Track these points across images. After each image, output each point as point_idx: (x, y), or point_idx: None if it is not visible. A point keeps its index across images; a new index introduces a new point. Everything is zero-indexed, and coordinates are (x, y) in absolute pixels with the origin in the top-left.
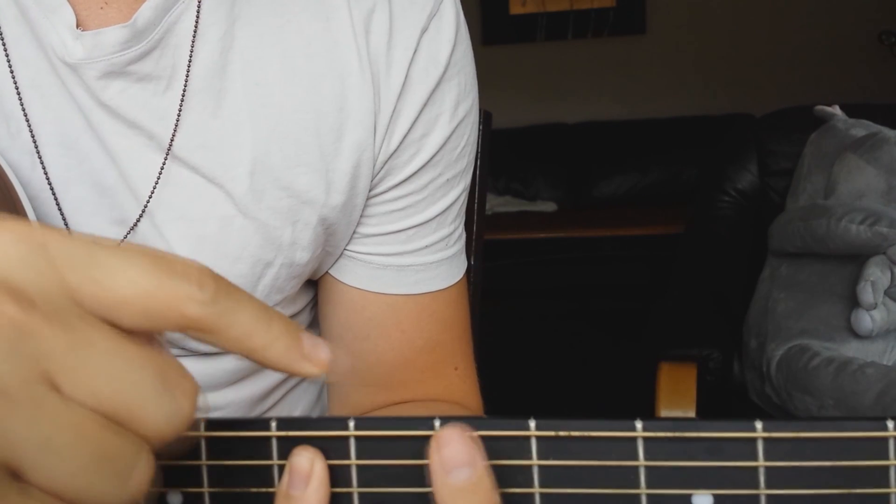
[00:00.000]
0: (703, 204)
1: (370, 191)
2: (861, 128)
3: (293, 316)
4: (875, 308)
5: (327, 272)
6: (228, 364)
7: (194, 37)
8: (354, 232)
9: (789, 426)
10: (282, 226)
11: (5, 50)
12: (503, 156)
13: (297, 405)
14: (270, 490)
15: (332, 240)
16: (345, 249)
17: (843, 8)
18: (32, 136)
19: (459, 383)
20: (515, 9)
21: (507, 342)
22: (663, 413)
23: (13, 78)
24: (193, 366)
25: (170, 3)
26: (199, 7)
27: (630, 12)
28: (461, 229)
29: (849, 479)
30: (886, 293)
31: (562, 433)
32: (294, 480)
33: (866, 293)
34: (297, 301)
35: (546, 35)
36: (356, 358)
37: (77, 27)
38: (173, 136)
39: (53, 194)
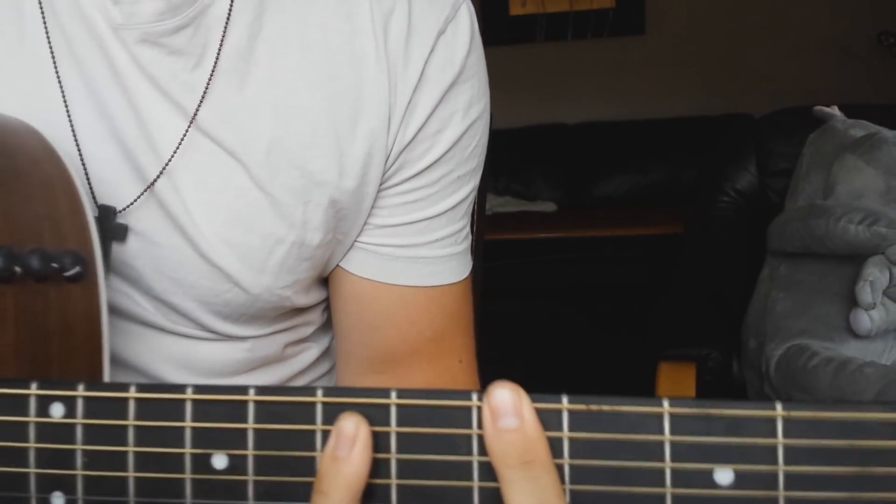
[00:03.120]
0: (702, 204)
1: (385, 182)
2: (860, 128)
3: (305, 311)
4: (874, 308)
5: (339, 266)
6: (239, 354)
7: (227, 20)
8: (367, 223)
9: (808, 407)
10: (294, 203)
11: (42, 14)
12: (503, 156)
13: None
14: (314, 454)
15: (342, 225)
16: (357, 241)
17: (843, 8)
18: (64, 98)
19: (462, 375)
20: (515, 9)
21: (507, 342)
22: None
23: (48, 41)
24: (210, 348)
25: None
26: None
27: (629, 13)
28: (468, 229)
29: (865, 459)
30: (885, 293)
31: (593, 407)
32: (340, 443)
33: (865, 293)
34: (311, 294)
35: (546, 36)
36: (366, 347)
37: None
38: (198, 108)
39: (79, 151)
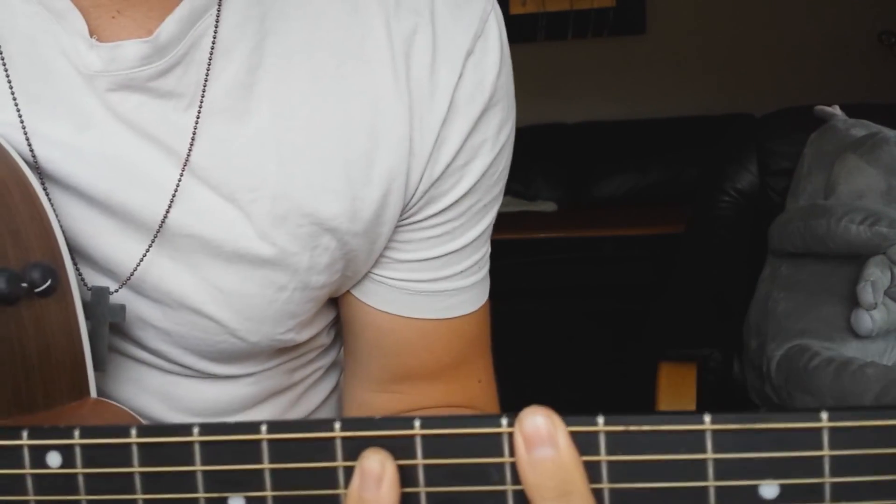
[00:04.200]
0: (702, 204)
1: (409, 218)
2: (861, 128)
3: (311, 339)
4: (875, 308)
5: (353, 295)
6: (243, 389)
7: (211, 53)
8: (388, 258)
9: (853, 415)
10: (300, 251)
11: (4, 65)
12: None
13: None
14: (337, 492)
15: (352, 266)
16: (375, 274)
17: (843, 8)
18: (32, 152)
19: (482, 395)
20: (515, 9)
21: (507, 342)
22: None
23: (14, 98)
24: (209, 389)
25: (195, 17)
26: (217, 21)
27: (630, 12)
28: (488, 253)
29: None
30: (886, 293)
31: (632, 428)
32: (366, 482)
33: (866, 293)
34: (315, 324)
35: (546, 35)
36: (381, 370)
37: (91, 36)
38: (189, 151)
39: (60, 226)
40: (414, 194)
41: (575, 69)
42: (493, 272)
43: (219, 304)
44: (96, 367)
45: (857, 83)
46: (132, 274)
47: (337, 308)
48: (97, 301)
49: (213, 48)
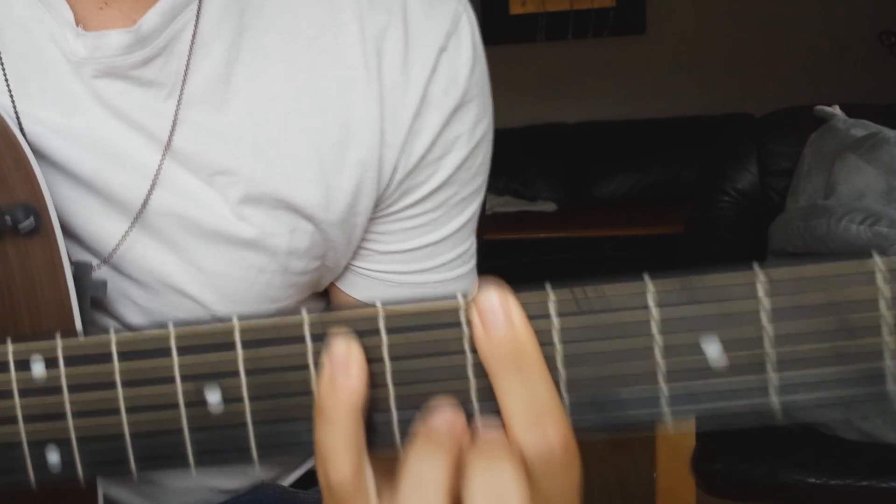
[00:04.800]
0: (703, 204)
1: (387, 209)
2: (861, 128)
3: None
4: None
5: (338, 287)
6: None
7: (192, 46)
8: (369, 250)
9: (787, 267)
10: (278, 233)
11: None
12: (503, 156)
13: None
14: (306, 374)
15: (331, 254)
16: (357, 266)
17: (843, 8)
18: (23, 134)
19: None
20: (515, 9)
21: None
22: None
23: (6, 81)
24: None
25: (177, 10)
26: (198, 15)
27: (630, 12)
28: (474, 247)
29: (844, 309)
30: None
31: (577, 293)
32: (335, 364)
33: None
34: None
35: (546, 35)
36: None
37: (77, 25)
38: (170, 138)
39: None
40: (389, 184)
41: (575, 69)
42: (493, 272)
43: (201, 284)
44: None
45: (857, 83)
46: (114, 251)
47: (323, 302)
48: (80, 275)
49: (192, 41)
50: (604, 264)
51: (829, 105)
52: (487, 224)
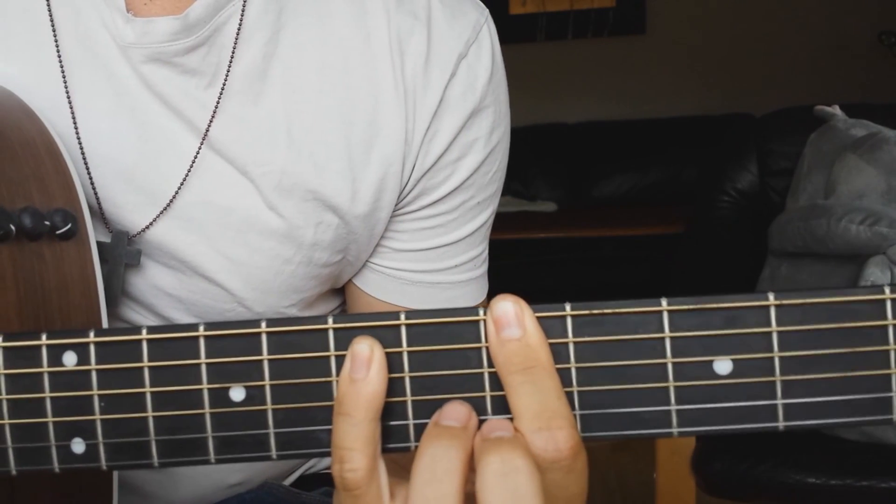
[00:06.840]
0: (703, 204)
1: (403, 207)
2: (861, 128)
3: None
4: None
5: (354, 283)
6: None
7: (237, 39)
8: (385, 247)
9: (799, 294)
10: (305, 225)
11: (54, 32)
12: None
13: None
14: (329, 379)
15: (353, 248)
16: (373, 263)
17: (843, 8)
18: (73, 116)
19: None
20: (515, 9)
21: None
22: None
23: (59, 58)
24: None
25: (221, 4)
26: (243, 10)
27: (630, 12)
28: (486, 252)
29: (854, 339)
30: None
31: (595, 311)
32: (357, 364)
33: None
34: (318, 306)
35: (546, 35)
36: None
37: (128, 12)
38: (209, 125)
39: (90, 176)
40: (408, 183)
41: (575, 69)
42: (493, 272)
43: (230, 273)
44: (109, 304)
45: (857, 83)
46: (144, 230)
47: (341, 297)
48: (116, 243)
49: (237, 33)
50: (604, 264)
51: (829, 105)
52: None
